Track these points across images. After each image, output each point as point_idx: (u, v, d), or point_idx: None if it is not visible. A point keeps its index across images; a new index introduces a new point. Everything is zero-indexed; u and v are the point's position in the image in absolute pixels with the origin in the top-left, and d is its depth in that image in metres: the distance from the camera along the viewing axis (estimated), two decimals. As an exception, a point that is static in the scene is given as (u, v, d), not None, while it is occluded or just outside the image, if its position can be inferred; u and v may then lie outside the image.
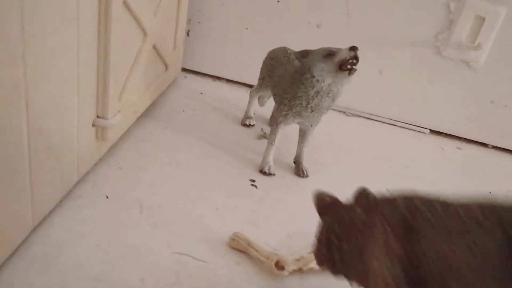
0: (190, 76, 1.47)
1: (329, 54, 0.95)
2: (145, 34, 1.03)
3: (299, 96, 0.98)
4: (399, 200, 0.62)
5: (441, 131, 1.43)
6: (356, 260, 0.62)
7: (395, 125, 1.43)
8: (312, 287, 0.84)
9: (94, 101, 0.92)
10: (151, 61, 1.12)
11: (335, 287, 0.84)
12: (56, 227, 0.86)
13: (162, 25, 1.13)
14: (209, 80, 1.47)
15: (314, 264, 0.85)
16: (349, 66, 0.93)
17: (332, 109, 1.41)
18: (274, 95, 1.11)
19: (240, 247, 0.87)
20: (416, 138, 1.39)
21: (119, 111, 0.98)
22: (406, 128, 1.42)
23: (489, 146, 1.41)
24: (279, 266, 0.83)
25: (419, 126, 1.43)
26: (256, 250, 0.86)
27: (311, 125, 1.06)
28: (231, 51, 1.44)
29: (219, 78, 1.49)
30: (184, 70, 1.47)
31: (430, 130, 1.43)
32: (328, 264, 0.68)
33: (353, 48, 0.92)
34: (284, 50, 1.13)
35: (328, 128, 1.34)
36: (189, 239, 0.89)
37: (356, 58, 0.92)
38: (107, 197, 0.95)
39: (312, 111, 1.00)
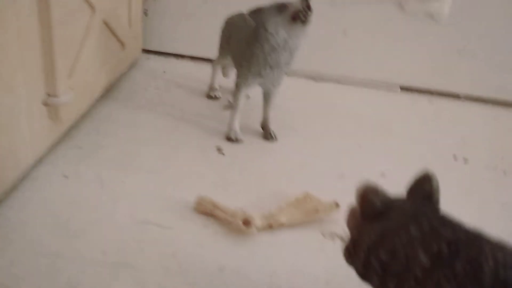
0: (153, 57, 1.43)
1: (282, 7, 0.92)
2: (92, 7, 1.00)
3: (256, 54, 0.96)
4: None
5: (411, 86, 1.40)
6: None
7: (365, 87, 1.40)
8: (283, 242, 0.81)
9: (42, 78, 0.88)
10: (103, 37, 1.08)
11: (307, 243, 0.82)
12: (14, 209, 0.82)
13: (112, 1, 1.09)
14: (172, 59, 1.44)
15: (283, 220, 0.82)
16: (302, 17, 0.90)
17: (301, 76, 1.39)
18: (234, 61, 1.08)
19: (206, 210, 0.84)
20: (387, 97, 1.37)
21: (71, 89, 0.95)
22: (377, 89, 1.40)
23: (461, 96, 1.39)
24: (247, 223, 0.80)
25: (390, 84, 1.40)
26: (222, 211, 0.83)
27: (273, 85, 1.03)
28: (192, 27, 1.41)
29: (182, 56, 1.45)
30: (146, 51, 1.43)
31: (400, 87, 1.40)
32: (357, 272, 0.57)
33: (305, -2, 0.89)
34: (240, 15, 1.10)
35: (298, 94, 1.31)
36: (153, 208, 0.86)
37: (308, 7, 0.90)
38: (66, 176, 0.91)
39: (271, 69, 0.97)
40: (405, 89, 1.40)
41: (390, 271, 0.50)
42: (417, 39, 1.35)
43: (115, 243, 0.78)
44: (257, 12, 0.96)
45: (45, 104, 0.90)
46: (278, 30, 0.92)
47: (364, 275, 0.54)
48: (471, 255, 0.45)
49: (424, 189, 0.55)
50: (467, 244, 0.47)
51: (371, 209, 0.54)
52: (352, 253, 0.56)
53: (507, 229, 0.86)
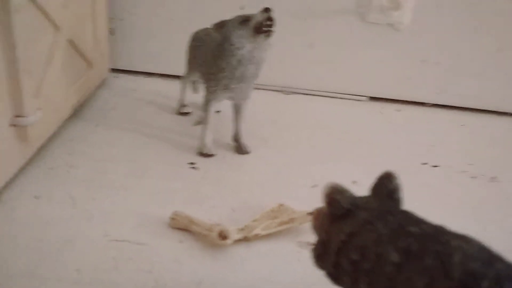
0: (121, 76, 1.42)
1: (245, 20, 0.94)
2: (56, 27, 0.99)
3: (223, 68, 0.96)
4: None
5: (379, 96, 1.43)
6: None
7: (333, 97, 1.42)
8: (258, 253, 0.81)
9: (8, 99, 0.87)
10: (69, 56, 1.07)
11: (283, 253, 0.82)
12: (-18, 233, 0.80)
13: (76, 20, 1.09)
14: (141, 77, 1.43)
15: (259, 230, 0.83)
16: (265, 28, 0.91)
17: (271, 89, 1.41)
18: (202, 75, 1.08)
19: (181, 225, 0.84)
20: (355, 106, 1.39)
21: (39, 109, 0.94)
22: (345, 99, 1.42)
23: (427, 104, 1.42)
24: (222, 236, 0.80)
25: (357, 94, 1.43)
26: (197, 225, 0.83)
27: (242, 98, 1.04)
28: (160, 45, 1.41)
29: (151, 74, 1.45)
30: (115, 70, 1.43)
31: (368, 97, 1.43)
32: (327, 273, 0.57)
33: (266, 10, 0.91)
34: (205, 30, 1.11)
35: (268, 107, 1.33)
36: (127, 226, 0.85)
37: (270, 19, 0.91)
38: (37, 197, 0.90)
39: (238, 82, 0.98)
40: (373, 98, 1.43)
41: (361, 270, 0.51)
42: (382, 50, 1.38)
43: (89, 262, 0.76)
44: (221, 26, 0.97)
45: (13, 125, 0.89)
46: (243, 43, 0.94)
47: (335, 276, 0.55)
48: (439, 249, 0.46)
49: (386, 187, 0.56)
50: (435, 238, 0.48)
51: (338, 208, 0.55)
52: (322, 255, 0.56)
53: (477, 231, 0.87)
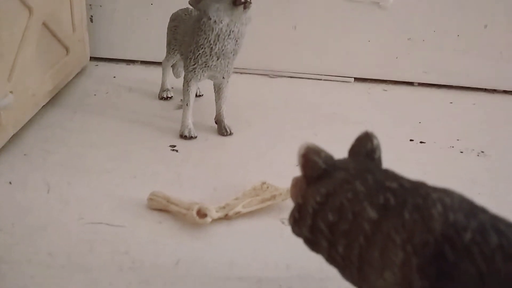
0: (102, 64, 1.40)
1: (223, -7, 0.91)
2: (30, 9, 0.96)
3: (201, 45, 0.94)
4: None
5: (365, 77, 1.40)
6: (353, 268, 0.48)
7: (319, 79, 1.40)
8: (240, 231, 0.78)
9: (-22, 81, 0.84)
10: (44, 41, 1.04)
11: (266, 230, 0.79)
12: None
13: (51, 3, 1.06)
14: (123, 65, 1.41)
15: (240, 208, 0.80)
16: (242, 0, 0.89)
17: (255, 73, 1.38)
18: (181, 55, 1.05)
19: (160, 206, 0.81)
20: (341, 87, 1.37)
21: (10, 92, 0.91)
22: (331, 80, 1.40)
23: (414, 84, 1.40)
24: (201, 214, 0.77)
25: (344, 76, 1.40)
26: (176, 205, 0.80)
27: (223, 77, 1.01)
28: (141, 31, 1.38)
29: (133, 62, 1.42)
30: (95, 59, 1.40)
31: (355, 78, 1.40)
32: (304, 239, 0.54)
33: (244, -19, 0.88)
34: (185, 9, 1.09)
35: (252, 90, 1.30)
36: (104, 209, 0.82)
37: (248, -11, 0.88)
38: (10, 183, 0.87)
39: (218, 58, 0.95)
40: (359, 79, 1.40)
41: (338, 231, 0.48)
42: (367, 30, 1.35)
43: (63, 245, 0.73)
44: (198, 1, 0.94)
45: (-17, 109, 0.86)
46: (221, 17, 0.91)
47: (312, 242, 0.52)
48: (418, 202, 0.44)
49: (365, 147, 0.53)
50: (413, 192, 0.45)
51: (314, 169, 0.52)
52: (298, 220, 0.53)
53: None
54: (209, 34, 0.92)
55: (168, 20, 1.13)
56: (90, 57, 1.35)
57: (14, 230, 0.76)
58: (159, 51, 1.33)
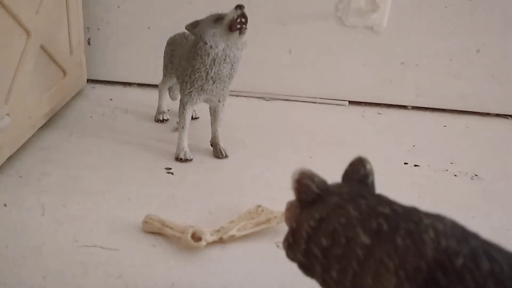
0: (99, 86, 1.40)
1: (218, 18, 0.92)
2: (27, 32, 0.97)
3: (197, 69, 0.95)
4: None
5: (360, 100, 1.42)
6: None
7: (314, 103, 1.41)
8: (234, 255, 0.78)
9: (-25, 104, 0.84)
10: (42, 63, 1.05)
11: (260, 254, 0.79)
12: None
13: (49, 26, 1.07)
14: (119, 87, 1.42)
15: (234, 231, 0.80)
16: (238, 26, 0.90)
17: (251, 96, 1.39)
18: (178, 79, 1.06)
19: (154, 229, 0.81)
20: (336, 111, 1.38)
21: (7, 114, 0.91)
22: (326, 104, 1.41)
23: (408, 107, 1.41)
24: (196, 237, 0.77)
25: (338, 99, 1.42)
26: (171, 228, 0.80)
27: (219, 101, 1.02)
28: (137, 54, 1.40)
29: (130, 84, 1.43)
30: (93, 81, 1.41)
31: (349, 101, 1.42)
32: (298, 264, 0.54)
33: (239, 6, 0.90)
34: (182, 34, 1.10)
35: (248, 113, 1.31)
36: (98, 231, 0.82)
37: (243, 16, 0.90)
38: (5, 205, 0.87)
39: (214, 82, 0.96)
40: (353, 102, 1.42)
41: (331, 256, 0.48)
42: (362, 54, 1.37)
43: (57, 268, 0.73)
44: (194, 26, 0.95)
45: (-20, 131, 0.86)
46: (217, 42, 0.92)
47: (306, 266, 0.52)
48: (411, 227, 0.44)
49: (358, 172, 0.54)
50: (406, 217, 0.45)
51: (307, 194, 0.52)
52: (292, 244, 0.53)
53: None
54: (205, 59, 0.93)
55: (165, 44, 1.14)
56: (87, 79, 1.37)
57: (7, 252, 0.76)
58: (155, 74, 1.35)
